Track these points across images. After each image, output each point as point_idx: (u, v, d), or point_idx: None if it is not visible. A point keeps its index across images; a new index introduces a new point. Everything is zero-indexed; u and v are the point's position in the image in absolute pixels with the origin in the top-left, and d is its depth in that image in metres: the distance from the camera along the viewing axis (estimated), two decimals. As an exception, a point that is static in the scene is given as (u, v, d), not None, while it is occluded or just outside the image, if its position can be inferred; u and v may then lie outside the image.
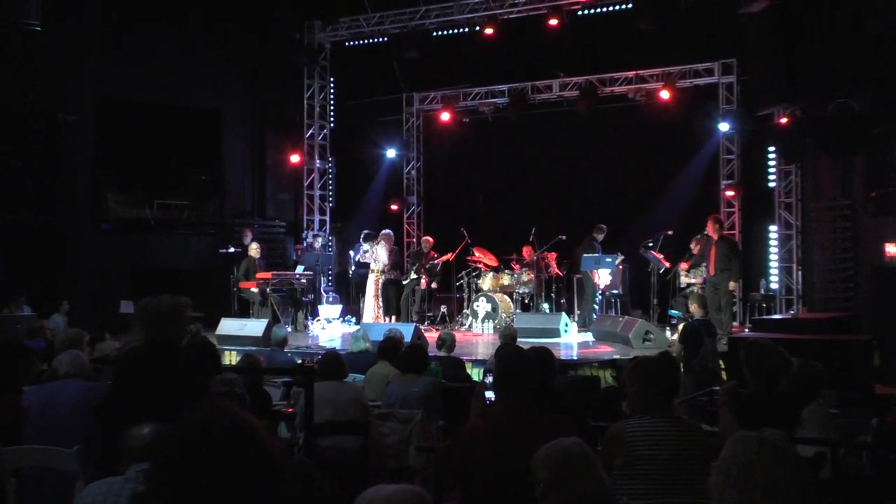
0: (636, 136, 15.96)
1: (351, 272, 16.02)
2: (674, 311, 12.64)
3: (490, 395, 4.46)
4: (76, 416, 4.71)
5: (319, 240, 16.45)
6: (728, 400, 4.44)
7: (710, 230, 12.28)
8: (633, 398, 3.93)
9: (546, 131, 16.97)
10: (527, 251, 14.66)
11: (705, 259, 12.15)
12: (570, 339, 12.74)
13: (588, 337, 12.86)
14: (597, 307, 13.74)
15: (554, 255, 14.57)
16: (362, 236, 15.10)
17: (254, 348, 10.77)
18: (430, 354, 9.21)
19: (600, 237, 13.83)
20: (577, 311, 14.15)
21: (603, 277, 13.56)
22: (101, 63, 15.53)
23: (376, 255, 14.55)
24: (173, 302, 4.35)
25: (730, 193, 15.27)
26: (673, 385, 4.02)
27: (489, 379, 8.06)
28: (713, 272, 11.93)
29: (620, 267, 13.92)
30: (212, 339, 11.27)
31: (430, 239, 15.52)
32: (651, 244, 13.23)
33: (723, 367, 9.14)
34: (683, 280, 12.68)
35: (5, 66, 13.74)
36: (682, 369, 8.70)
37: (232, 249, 15.00)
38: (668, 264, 13.09)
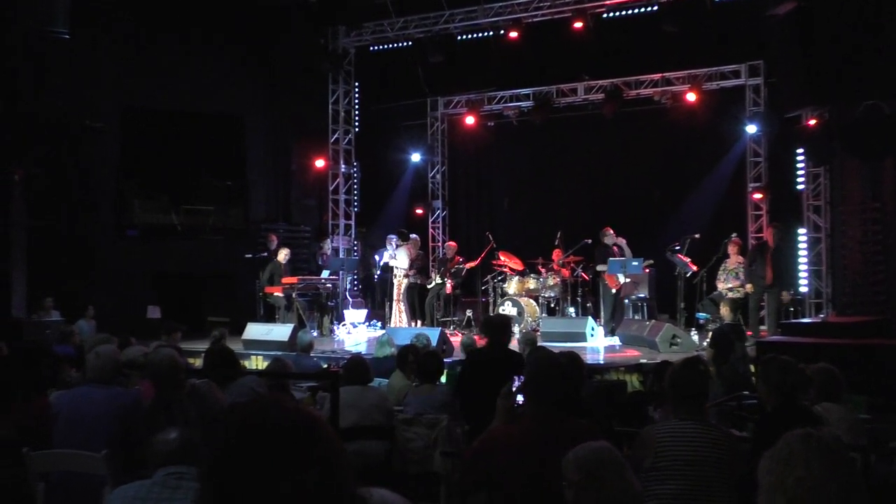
0: (662, 139, 15.87)
1: (376, 276, 16.05)
2: (702, 314, 12.56)
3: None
4: (104, 420, 4.76)
5: (328, 243, 16.40)
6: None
7: (769, 238, 12.29)
8: (666, 401, 3.96)
9: (571, 135, 16.91)
10: (557, 255, 14.64)
11: (755, 264, 12.10)
12: (597, 343, 12.71)
13: (614, 341, 12.81)
14: (614, 311, 13.72)
15: (579, 258, 14.52)
16: (393, 237, 15.07)
17: (279, 353, 10.83)
18: (456, 359, 9.24)
19: (607, 239, 13.78)
20: (602, 315, 14.11)
21: (620, 278, 13.50)
22: (126, 72, 15.70)
23: (398, 258, 14.55)
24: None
25: (757, 196, 15.14)
26: (702, 389, 4.02)
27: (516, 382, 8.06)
28: (770, 280, 11.90)
29: (647, 270, 13.84)
30: (238, 344, 11.40)
31: (454, 244, 15.54)
32: (678, 248, 13.15)
33: (753, 371, 9.05)
34: (721, 287, 12.61)
35: (34, 75, 13.93)
36: (712, 373, 8.66)
37: (265, 254, 15.03)
38: (695, 268, 13.01)
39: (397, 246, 14.67)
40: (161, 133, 15.99)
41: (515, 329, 13.79)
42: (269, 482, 1.52)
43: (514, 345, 12.60)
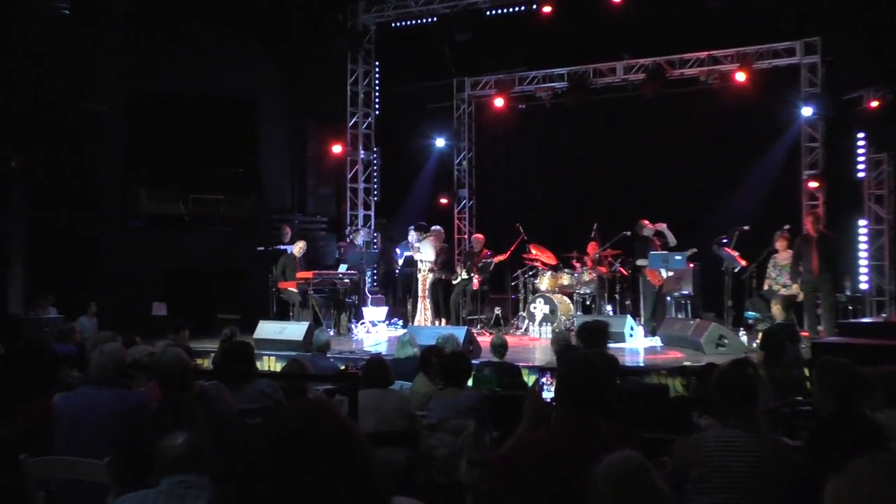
0: (708, 122, 15.76)
1: (397, 271, 16.07)
2: (751, 313, 12.47)
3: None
4: (108, 423, 4.79)
5: (361, 235, 16.54)
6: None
7: (809, 227, 12.22)
8: (713, 407, 3.96)
9: (609, 118, 16.86)
10: (592, 248, 14.59)
11: (802, 259, 12.02)
12: (636, 343, 12.67)
13: (655, 342, 12.77)
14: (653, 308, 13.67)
15: (617, 252, 14.47)
16: (411, 229, 15.11)
17: (293, 353, 10.87)
18: (483, 360, 9.24)
19: (645, 232, 13.71)
20: (642, 314, 14.06)
21: (662, 273, 13.43)
22: (130, 52, 15.81)
23: (422, 251, 14.58)
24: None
25: (813, 185, 14.99)
26: (751, 394, 4.00)
27: (543, 380, 8.02)
28: (816, 273, 11.82)
29: (691, 265, 13.77)
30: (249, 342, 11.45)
31: (481, 236, 15.52)
32: (725, 240, 13.07)
33: (808, 375, 8.98)
34: (771, 283, 12.52)
35: (34, 58, 14.07)
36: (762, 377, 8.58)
37: (282, 247, 15.10)
38: (743, 262, 12.92)
39: (419, 239, 14.68)
40: (168, 118, 16.09)
41: (547, 328, 13.83)
42: (300, 498, 1.51)
43: (546, 345, 12.69)
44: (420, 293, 14.65)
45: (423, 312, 14.56)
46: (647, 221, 13.75)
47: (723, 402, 3.97)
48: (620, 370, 9.48)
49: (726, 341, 11.31)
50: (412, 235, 14.94)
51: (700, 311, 13.96)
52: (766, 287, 12.68)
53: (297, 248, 14.57)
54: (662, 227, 13.74)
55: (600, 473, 2.85)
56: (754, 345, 10.50)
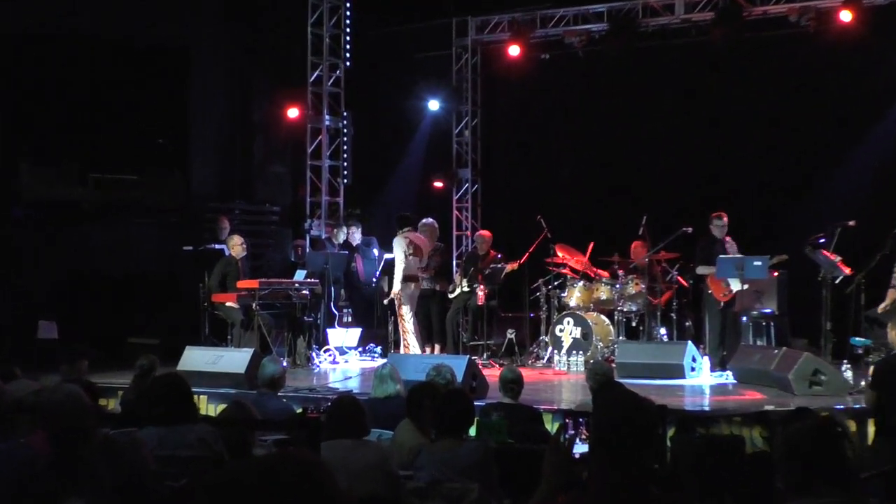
0: (800, 79, 15.80)
1: (374, 280, 16.03)
2: (859, 340, 12.44)
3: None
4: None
5: (342, 235, 16.42)
6: None
7: None
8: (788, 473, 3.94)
9: (663, 73, 16.88)
10: (639, 250, 14.55)
11: None
12: (700, 380, 12.68)
13: (726, 378, 12.76)
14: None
15: (674, 255, 14.46)
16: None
17: (232, 391, 10.82)
18: (491, 401, 9.22)
19: (718, 232, 13.67)
20: (708, 340, 14.05)
21: (733, 285, 13.38)
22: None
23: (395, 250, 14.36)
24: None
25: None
26: (838, 460, 3.99)
27: (573, 431, 8.01)
28: None
29: (775, 274, 13.75)
30: (178, 374, 11.41)
31: (488, 234, 15.48)
32: (823, 241, 13.05)
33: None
34: (890, 299, 12.53)
35: None
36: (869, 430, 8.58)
37: (218, 246, 15.07)
38: (847, 270, 12.89)
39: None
40: (64, 71, 16.03)
41: (578, 359, 13.82)
42: None
43: (577, 380, 12.66)
44: (398, 310, 14.41)
45: (405, 336, 14.42)
46: (724, 216, 13.67)
47: (805, 469, 3.96)
48: (676, 417, 9.48)
49: (824, 378, 11.27)
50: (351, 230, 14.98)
51: (788, 336, 13.95)
52: (883, 306, 12.61)
53: (235, 247, 14.50)
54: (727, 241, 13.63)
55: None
56: (862, 383, 10.48)
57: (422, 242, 14.48)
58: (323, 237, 16.91)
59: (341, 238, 16.37)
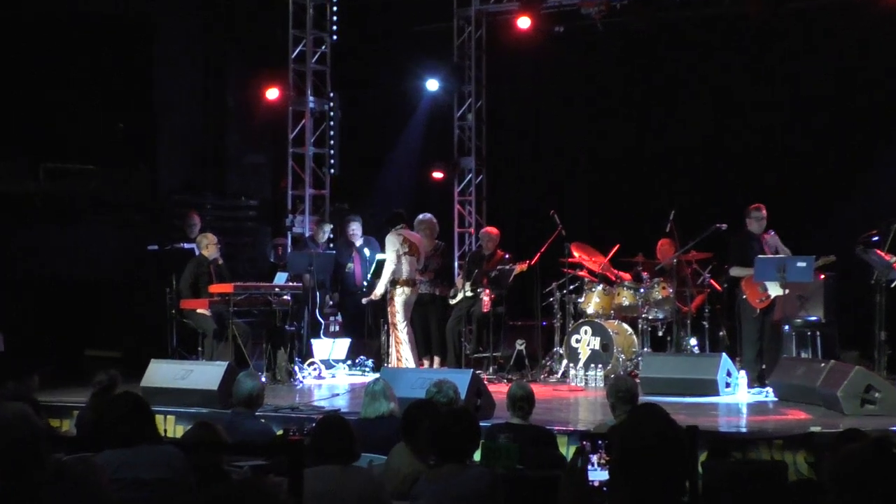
0: (849, 56, 15.79)
1: (366, 284, 16.04)
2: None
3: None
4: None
5: (326, 230, 16.43)
6: None
7: None
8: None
9: (693, 49, 16.86)
10: (666, 249, 14.57)
11: None
12: (737, 397, 12.68)
13: (766, 395, 12.78)
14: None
15: (706, 255, 14.48)
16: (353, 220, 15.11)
17: (204, 410, 10.84)
18: (498, 422, 9.24)
19: (756, 227, 13.65)
20: (744, 352, 14.05)
21: (772, 290, 13.38)
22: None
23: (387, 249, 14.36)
24: None
25: None
26: (894, 487, 4.01)
27: (592, 455, 8.05)
28: None
29: (822, 277, 13.77)
30: (136, 393, 11.43)
31: (494, 231, 15.49)
32: (876, 239, 13.07)
33: None
34: None
35: None
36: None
37: (188, 245, 15.08)
38: (905, 272, 12.94)
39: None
40: (7, 47, 16.03)
41: (597, 373, 13.83)
42: None
43: (596, 398, 12.68)
44: (391, 317, 14.41)
45: (398, 348, 14.42)
46: (763, 208, 13.67)
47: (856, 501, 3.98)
48: (709, 440, 9.49)
49: (878, 395, 11.26)
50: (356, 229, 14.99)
51: (836, 347, 13.96)
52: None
53: (207, 247, 14.48)
54: (770, 237, 13.62)
55: None
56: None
57: (418, 241, 14.45)
58: (307, 235, 16.91)
59: (323, 237, 16.36)
